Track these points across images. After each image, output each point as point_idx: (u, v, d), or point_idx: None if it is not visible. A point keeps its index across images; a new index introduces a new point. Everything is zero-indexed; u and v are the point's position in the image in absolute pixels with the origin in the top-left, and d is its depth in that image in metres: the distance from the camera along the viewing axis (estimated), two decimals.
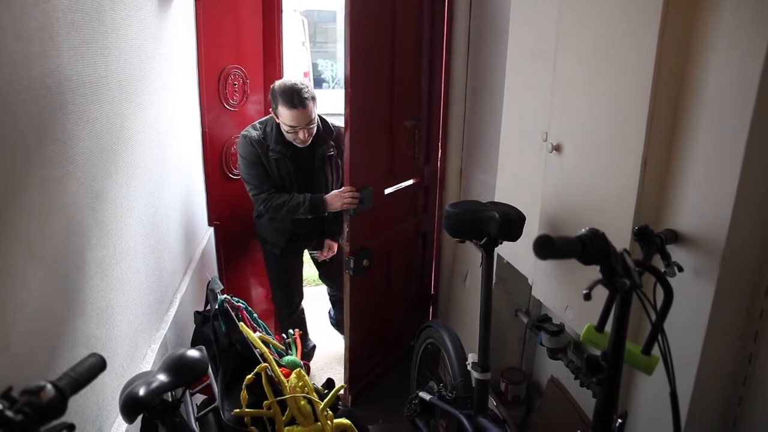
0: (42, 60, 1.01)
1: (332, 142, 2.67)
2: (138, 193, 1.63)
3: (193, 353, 1.40)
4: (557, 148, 1.73)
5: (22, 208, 0.94)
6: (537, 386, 2.50)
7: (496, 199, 2.09)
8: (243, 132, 2.57)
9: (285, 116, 2.41)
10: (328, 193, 2.58)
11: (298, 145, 2.51)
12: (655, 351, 1.13)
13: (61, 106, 1.10)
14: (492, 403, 1.94)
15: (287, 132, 2.46)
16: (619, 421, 1.10)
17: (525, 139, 2.04)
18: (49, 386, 0.74)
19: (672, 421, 1.10)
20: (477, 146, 2.83)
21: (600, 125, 1.55)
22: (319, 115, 2.58)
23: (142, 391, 1.18)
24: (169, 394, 1.33)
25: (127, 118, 1.52)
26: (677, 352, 1.11)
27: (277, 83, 2.46)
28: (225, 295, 1.98)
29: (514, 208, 1.83)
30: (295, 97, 2.36)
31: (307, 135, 2.47)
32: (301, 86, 2.40)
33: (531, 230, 1.81)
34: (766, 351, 1.21)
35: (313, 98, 2.45)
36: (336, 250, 2.95)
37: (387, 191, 2.80)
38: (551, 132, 1.78)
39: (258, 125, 2.58)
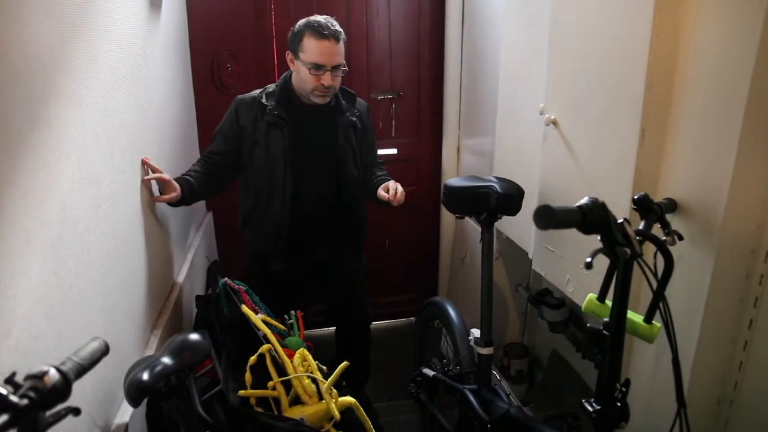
0: (31, 43, 1.00)
1: (357, 111, 2.18)
2: (134, 178, 1.62)
3: (196, 337, 1.40)
4: (554, 122, 1.72)
5: (17, 194, 0.93)
6: (539, 360, 2.53)
7: (495, 174, 2.08)
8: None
9: (311, 51, 1.93)
10: (349, 174, 2.16)
11: (316, 101, 2.03)
12: (656, 319, 1.13)
13: (53, 91, 1.09)
14: (495, 377, 1.96)
15: (310, 76, 1.96)
16: (622, 389, 1.11)
17: (522, 114, 2.03)
18: (52, 371, 0.74)
19: (674, 387, 1.11)
20: (474, 121, 2.82)
21: (596, 96, 1.54)
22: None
23: (146, 375, 1.19)
24: (173, 377, 1.34)
25: (121, 102, 1.51)
26: (678, 320, 1.12)
27: (303, 20, 1.99)
28: (225, 278, 1.98)
29: (513, 182, 1.82)
30: (326, 27, 1.93)
31: (332, 80, 1.97)
32: (333, 21, 1.99)
33: (530, 204, 1.81)
34: (766, 316, 1.21)
35: (344, 39, 2.00)
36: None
37: None
38: (548, 105, 1.77)
39: (259, 89, 2.14)
